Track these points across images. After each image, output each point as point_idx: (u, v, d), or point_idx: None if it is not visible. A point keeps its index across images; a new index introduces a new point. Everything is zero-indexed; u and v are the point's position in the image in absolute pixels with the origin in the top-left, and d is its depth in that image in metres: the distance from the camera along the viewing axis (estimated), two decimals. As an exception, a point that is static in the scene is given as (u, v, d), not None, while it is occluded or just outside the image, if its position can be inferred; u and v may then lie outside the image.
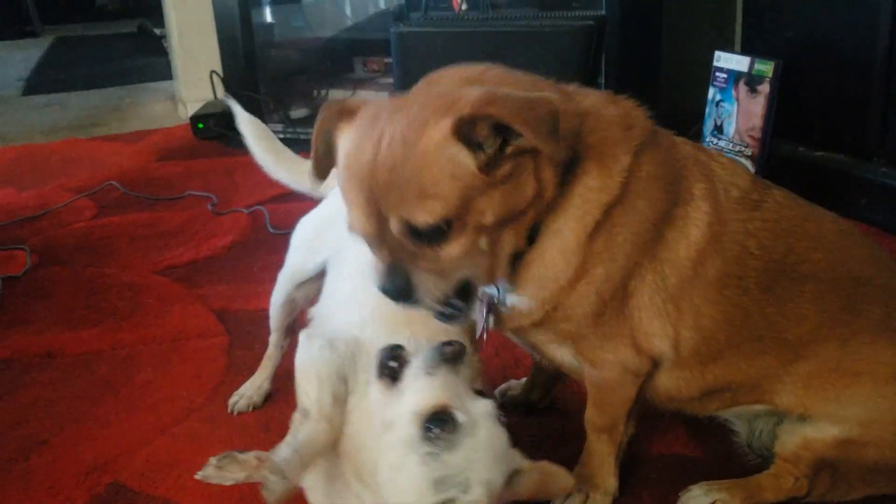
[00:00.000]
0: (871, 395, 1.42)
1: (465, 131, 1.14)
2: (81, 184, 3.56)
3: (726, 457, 1.62)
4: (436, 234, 1.17)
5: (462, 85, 1.22)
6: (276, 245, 2.72)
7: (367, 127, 1.19)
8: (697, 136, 3.41)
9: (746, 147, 3.15)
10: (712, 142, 3.31)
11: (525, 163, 1.20)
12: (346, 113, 1.25)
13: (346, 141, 1.22)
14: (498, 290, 1.34)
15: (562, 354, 1.45)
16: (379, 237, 1.19)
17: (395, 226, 1.16)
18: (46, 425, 1.82)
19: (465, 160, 1.15)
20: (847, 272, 1.46)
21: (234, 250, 2.76)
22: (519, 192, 1.21)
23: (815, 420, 1.44)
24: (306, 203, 1.87)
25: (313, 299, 1.71)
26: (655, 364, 1.42)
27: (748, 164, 3.14)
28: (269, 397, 1.88)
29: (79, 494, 1.59)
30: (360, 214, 1.19)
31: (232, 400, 1.88)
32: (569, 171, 1.28)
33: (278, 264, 2.56)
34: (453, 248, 1.19)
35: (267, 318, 1.90)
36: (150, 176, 3.69)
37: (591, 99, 1.36)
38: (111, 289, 2.50)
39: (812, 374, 1.44)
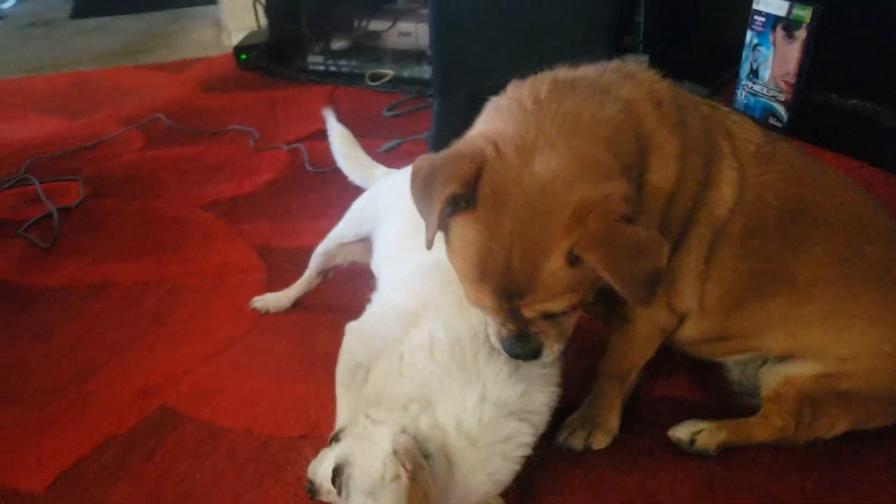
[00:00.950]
0: (858, 335, 1.51)
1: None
2: (130, 114, 3.68)
3: (725, 401, 1.72)
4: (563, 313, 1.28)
5: (595, 165, 1.23)
6: (313, 184, 2.84)
7: (494, 230, 1.21)
8: (733, 80, 3.42)
9: (780, 92, 3.15)
10: (748, 86, 3.31)
11: None
12: (462, 199, 1.23)
13: (470, 233, 1.24)
14: None
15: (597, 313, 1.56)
16: (507, 316, 1.26)
17: (530, 313, 1.25)
18: (100, 352, 1.98)
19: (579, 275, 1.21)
20: (851, 214, 1.54)
21: (274, 187, 2.88)
22: None
23: (798, 359, 1.55)
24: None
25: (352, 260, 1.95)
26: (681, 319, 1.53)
27: (781, 109, 3.16)
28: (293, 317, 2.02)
29: (131, 415, 1.75)
30: (490, 301, 1.25)
31: (255, 299, 2.12)
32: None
33: (315, 204, 2.70)
34: (574, 318, 1.34)
35: (304, 256, 2.06)
36: (195, 108, 3.80)
37: (625, 90, 1.36)
38: (159, 222, 2.64)
39: (812, 315, 1.52)
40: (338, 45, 4.44)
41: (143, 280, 2.31)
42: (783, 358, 1.57)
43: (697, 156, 1.38)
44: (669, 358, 1.86)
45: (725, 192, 1.42)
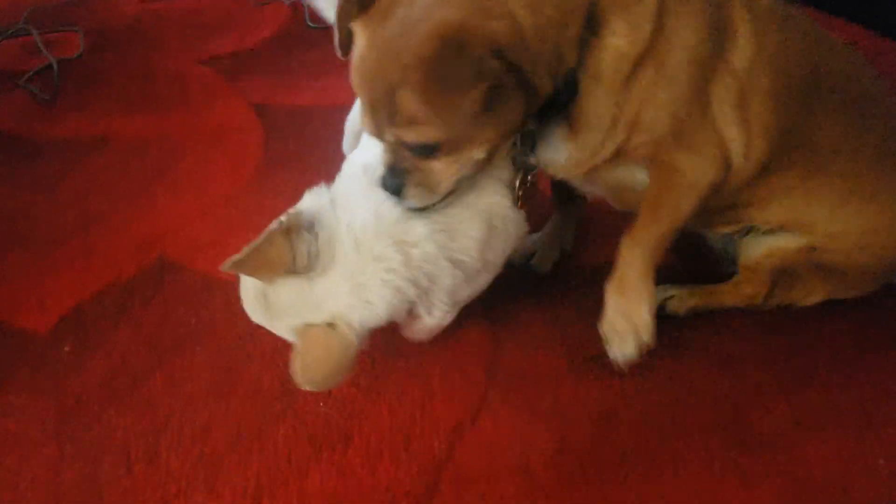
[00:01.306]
0: (852, 212, 1.52)
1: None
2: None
3: (701, 268, 1.77)
4: (425, 151, 1.24)
5: None
6: (313, 40, 2.82)
7: (373, 38, 1.19)
8: None
9: None
10: None
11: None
12: (363, 5, 1.21)
13: (359, 40, 1.22)
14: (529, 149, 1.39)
15: (632, 178, 1.46)
16: (380, 138, 1.27)
17: (389, 137, 1.24)
18: (102, 203, 2.04)
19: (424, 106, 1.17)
20: (860, 88, 1.53)
21: (274, 43, 2.86)
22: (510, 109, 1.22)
23: (786, 232, 1.56)
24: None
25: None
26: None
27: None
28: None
29: (131, 264, 1.83)
30: (366, 117, 1.25)
31: None
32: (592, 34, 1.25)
33: (315, 61, 2.68)
34: (446, 174, 1.29)
35: (303, 115, 2.13)
36: None
37: None
38: (159, 77, 2.65)
39: (816, 189, 1.51)
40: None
41: (143, 135, 2.34)
42: (771, 230, 1.60)
43: (694, 13, 1.31)
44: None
45: (742, 43, 1.36)
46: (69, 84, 2.63)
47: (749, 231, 1.63)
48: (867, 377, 1.52)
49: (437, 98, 1.15)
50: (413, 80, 1.13)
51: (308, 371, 1.27)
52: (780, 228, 1.58)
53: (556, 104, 1.29)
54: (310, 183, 2.04)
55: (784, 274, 1.60)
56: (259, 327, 1.63)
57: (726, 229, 1.66)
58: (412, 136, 1.20)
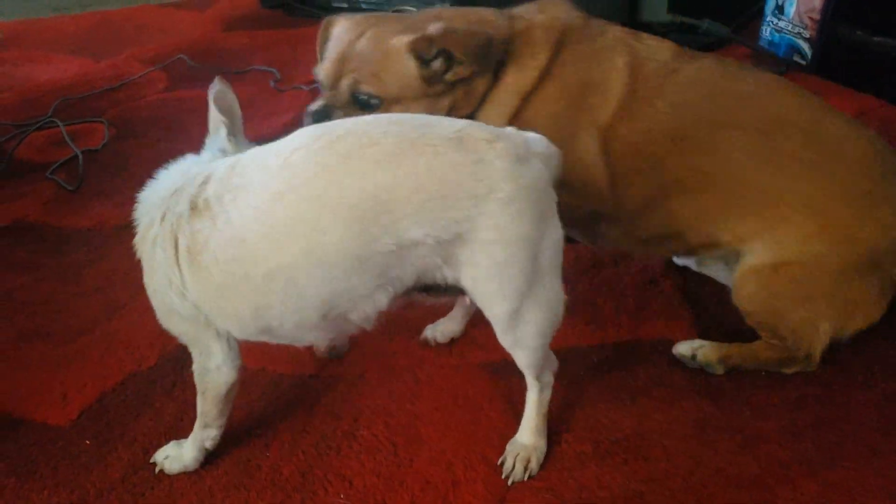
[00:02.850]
0: (798, 223, 1.59)
1: (419, 49, 1.61)
2: (153, 54, 3.73)
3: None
4: (367, 104, 1.65)
5: (430, 19, 1.68)
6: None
7: (356, 23, 1.71)
8: (759, 16, 3.36)
9: (805, 29, 3.11)
10: (772, 22, 3.26)
11: (459, 85, 1.67)
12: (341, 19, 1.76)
13: (339, 27, 1.73)
14: None
15: None
16: (330, 85, 1.69)
17: (346, 83, 1.66)
18: (125, 291, 2.06)
19: (412, 68, 1.62)
20: (769, 116, 1.64)
21: (294, 128, 2.89)
22: (442, 104, 1.67)
23: (750, 249, 1.65)
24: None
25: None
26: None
27: (805, 46, 3.11)
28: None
29: (151, 353, 1.84)
30: (329, 66, 1.69)
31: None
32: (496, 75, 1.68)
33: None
34: None
35: None
36: (217, 47, 3.82)
37: (528, 13, 1.74)
38: (181, 164, 2.69)
39: (747, 206, 1.63)
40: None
41: (165, 221, 2.37)
42: (741, 252, 1.66)
43: (574, 69, 1.67)
44: (665, 298, 1.91)
45: (610, 99, 1.65)
46: (93, 173, 2.69)
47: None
48: (897, 454, 1.49)
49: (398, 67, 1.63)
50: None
51: None
52: (743, 246, 1.66)
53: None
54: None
55: (773, 297, 1.63)
56: (276, 416, 1.64)
57: (707, 256, 1.81)
58: (366, 87, 1.64)
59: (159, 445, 1.58)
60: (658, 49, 1.70)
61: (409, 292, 1.35)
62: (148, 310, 1.97)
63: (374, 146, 1.21)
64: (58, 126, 2.98)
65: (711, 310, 1.89)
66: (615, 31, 1.73)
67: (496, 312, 1.34)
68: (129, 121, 3.08)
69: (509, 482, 1.47)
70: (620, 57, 1.67)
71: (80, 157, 2.74)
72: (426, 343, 1.81)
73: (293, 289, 1.26)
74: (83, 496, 1.49)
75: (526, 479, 1.47)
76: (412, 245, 1.23)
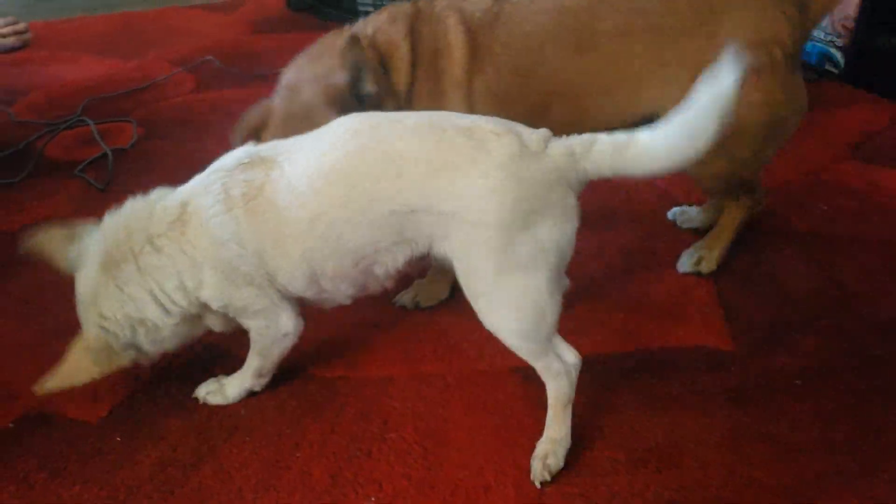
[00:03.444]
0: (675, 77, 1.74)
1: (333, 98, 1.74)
2: (181, 55, 3.75)
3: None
4: None
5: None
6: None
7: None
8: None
9: (838, 37, 3.08)
10: (802, 30, 3.22)
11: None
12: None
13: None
14: None
15: None
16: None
17: None
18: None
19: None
20: (574, 10, 1.80)
21: (321, 130, 2.91)
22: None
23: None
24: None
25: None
26: None
27: (838, 54, 3.07)
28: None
29: (183, 353, 1.82)
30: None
31: None
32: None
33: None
34: None
35: None
36: (245, 49, 3.84)
37: (375, 20, 1.87)
38: (209, 162, 2.68)
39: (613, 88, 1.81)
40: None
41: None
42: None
43: (425, 44, 1.81)
44: (698, 305, 1.89)
45: (456, 54, 1.79)
46: (122, 172, 2.70)
47: None
48: (938, 468, 1.46)
49: None
50: None
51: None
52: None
53: None
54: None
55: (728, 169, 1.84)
56: (306, 416, 1.63)
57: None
58: None
59: (188, 443, 1.58)
60: (478, 2, 1.85)
61: (423, 256, 1.48)
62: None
63: (399, 123, 1.41)
64: (86, 125, 3.00)
65: (744, 316, 1.87)
66: (441, 1, 1.88)
67: (467, 294, 1.43)
68: (156, 121, 3.09)
69: (536, 484, 1.45)
70: (452, 16, 1.82)
71: (110, 155, 2.75)
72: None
73: (332, 232, 1.42)
74: (113, 493, 1.48)
75: (547, 476, 1.45)
76: (420, 211, 1.37)
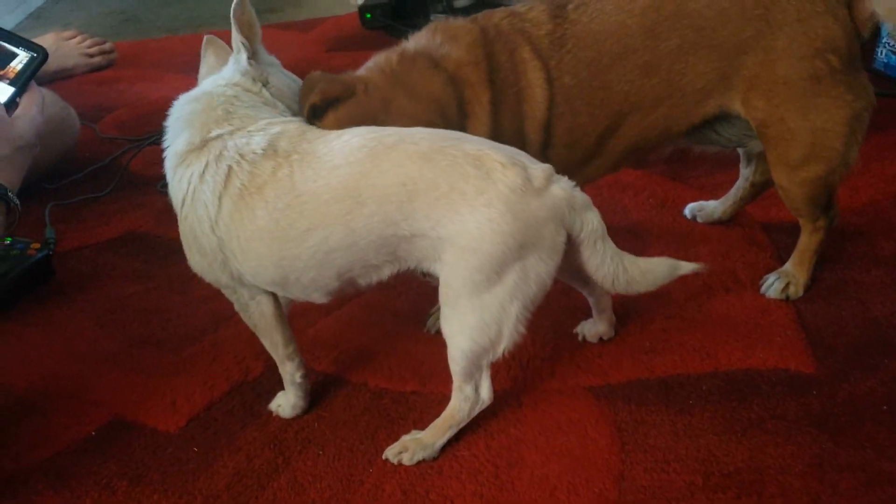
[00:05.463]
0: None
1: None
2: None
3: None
4: None
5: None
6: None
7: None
8: (874, 37, 3.23)
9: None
10: (889, 44, 3.13)
11: None
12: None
13: None
14: None
15: None
16: None
17: None
18: (230, 303, 2.10)
19: None
20: (645, 25, 1.75)
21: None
22: None
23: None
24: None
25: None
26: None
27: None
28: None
29: (257, 364, 1.86)
30: None
31: None
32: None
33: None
34: None
35: None
36: (321, 67, 3.85)
37: (440, 48, 1.74)
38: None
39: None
40: (461, 2, 4.44)
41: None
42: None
43: (509, 90, 1.71)
44: (778, 327, 1.83)
45: (538, 93, 1.72)
46: (202, 187, 2.76)
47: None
48: None
49: None
50: None
51: None
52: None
53: None
54: (431, 286, 2.08)
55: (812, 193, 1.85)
56: (379, 431, 1.64)
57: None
58: None
59: (264, 455, 1.61)
60: (537, 21, 1.76)
61: (409, 270, 1.53)
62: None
63: (413, 145, 1.41)
64: (169, 141, 3.08)
65: (827, 339, 1.80)
66: (501, 21, 1.76)
67: (441, 300, 1.48)
68: (236, 137, 3.16)
69: (382, 456, 1.56)
70: (524, 49, 1.73)
71: (191, 171, 2.82)
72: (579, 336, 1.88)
73: (324, 246, 1.43)
74: (190, 501, 1.52)
75: (393, 460, 1.55)
76: (422, 235, 1.40)
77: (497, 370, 1.79)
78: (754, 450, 1.53)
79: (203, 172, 1.49)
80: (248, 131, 1.49)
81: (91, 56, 4.11)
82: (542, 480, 1.50)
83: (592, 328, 1.83)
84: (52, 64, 3.79)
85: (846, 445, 1.53)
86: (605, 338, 1.83)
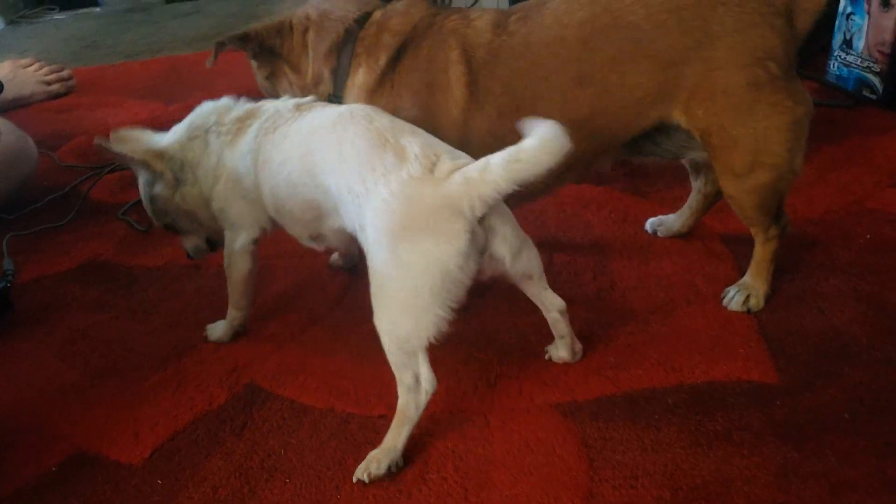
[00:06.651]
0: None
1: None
2: (223, 97, 3.80)
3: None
4: None
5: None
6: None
7: None
8: (826, 49, 3.30)
9: (875, 63, 3.04)
10: (840, 56, 3.20)
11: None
12: None
13: None
14: None
15: None
16: None
17: None
18: (195, 330, 2.08)
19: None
20: (578, 36, 1.82)
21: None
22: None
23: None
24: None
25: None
26: None
27: (876, 80, 3.03)
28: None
29: (221, 392, 1.85)
30: None
31: None
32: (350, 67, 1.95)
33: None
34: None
35: None
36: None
37: (382, 12, 1.96)
38: (248, 204, 2.73)
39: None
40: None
41: (233, 261, 2.40)
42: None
43: (413, 69, 1.88)
44: (740, 338, 1.85)
45: (456, 94, 1.84)
46: (164, 214, 2.73)
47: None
48: None
49: None
50: None
51: None
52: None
53: None
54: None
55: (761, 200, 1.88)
56: (347, 457, 1.62)
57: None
58: None
59: (230, 485, 1.58)
60: (479, 31, 1.87)
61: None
62: (216, 347, 2.01)
63: (371, 123, 1.66)
64: (129, 169, 3.04)
65: (789, 349, 1.82)
66: (449, 22, 1.90)
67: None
68: (197, 162, 3.13)
69: (354, 478, 1.56)
70: (454, 51, 1.85)
71: (152, 197, 2.80)
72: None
73: (292, 179, 1.76)
74: (155, 536, 1.49)
75: (365, 478, 1.56)
76: (351, 195, 1.60)
77: (465, 390, 1.79)
78: (720, 462, 1.54)
79: (256, 133, 1.87)
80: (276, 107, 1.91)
81: (49, 84, 4.07)
82: (510, 501, 1.49)
83: (556, 352, 1.84)
84: (8, 92, 3.77)
85: (810, 454, 1.55)
86: (569, 362, 1.84)
